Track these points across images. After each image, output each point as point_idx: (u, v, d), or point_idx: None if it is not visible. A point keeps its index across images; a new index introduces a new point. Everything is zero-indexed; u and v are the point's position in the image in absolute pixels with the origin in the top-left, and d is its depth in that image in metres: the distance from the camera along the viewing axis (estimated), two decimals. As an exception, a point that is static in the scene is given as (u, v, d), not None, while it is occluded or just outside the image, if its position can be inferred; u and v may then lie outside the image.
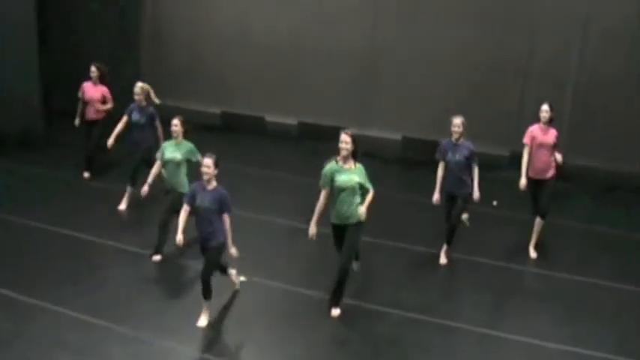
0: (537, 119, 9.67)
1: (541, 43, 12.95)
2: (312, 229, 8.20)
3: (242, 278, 8.77)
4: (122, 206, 10.99)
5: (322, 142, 14.02)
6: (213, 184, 7.81)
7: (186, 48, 15.60)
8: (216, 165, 7.76)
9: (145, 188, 9.58)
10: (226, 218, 7.79)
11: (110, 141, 10.99)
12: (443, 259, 9.63)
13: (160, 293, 8.56)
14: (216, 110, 15.39)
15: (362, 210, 8.05)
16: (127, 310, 8.07)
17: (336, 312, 8.20)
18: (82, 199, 11.28)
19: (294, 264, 9.57)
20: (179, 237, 7.87)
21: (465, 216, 10.18)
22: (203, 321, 7.92)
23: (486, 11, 13.23)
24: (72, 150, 13.44)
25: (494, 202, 11.26)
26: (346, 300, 8.39)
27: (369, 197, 8.16)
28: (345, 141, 7.99)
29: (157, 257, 9.39)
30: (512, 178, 12.44)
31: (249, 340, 7.82)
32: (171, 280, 8.91)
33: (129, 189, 10.97)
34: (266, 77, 14.97)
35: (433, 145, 12.83)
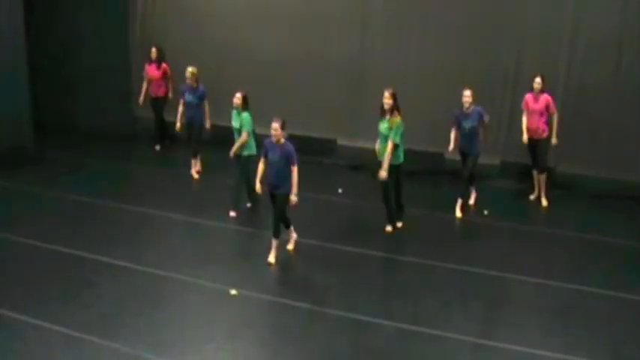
0: (532, 89, 11.58)
1: (529, 54, 13.01)
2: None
3: (233, 292, 8.76)
4: (195, 174, 12.88)
5: (313, 154, 14.05)
6: (282, 140, 9.36)
7: (175, 61, 15.58)
8: (283, 127, 9.33)
9: (233, 149, 11.23)
10: (293, 169, 9.32)
11: (178, 125, 12.86)
12: (458, 213, 11.28)
13: (153, 309, 8.49)
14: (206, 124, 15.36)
15: (382, 173, 10.11)
16: (119, 327, 8.02)
17: (388, 228, 10.54)
18: (73, 215, 11.23)
19: (284, 276, 9.57)
20: (257, 186, 9.72)
21: (485, 212, 11.43)
22: (272, 257, 9.63)
23: (474, 22, 13.28)
24: (62, 164, 13.45)
25: (485, 212, 11.31)
26: (338, 311, 8.41)
27: (387, 154, 10.08)
28: (387, 97, 10.06)
29: (233, 213, 11.12)
30: (503, 187, 12.59)
31: (241, 353, 7.79)
32: (164, 295, 8.85)
33: (196, 161, 12.86)
34: (255, 90, 14.86)
35: (424, 156, 12.98)
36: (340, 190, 12.21)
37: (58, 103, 15.47)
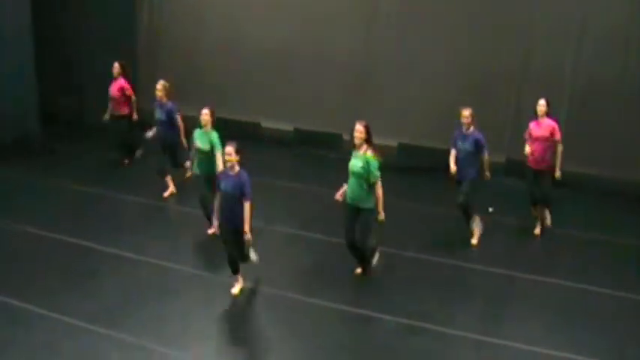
0: (535, 114, 10.37)
1: (536, 50, 13.00)
2: (338, 194, 9.00)
3: (235, 291, 8.74)
4: (166, 194, 11.65)
5: (318, 148, 14.07)
6: (236, 169, 8.21)
7: (181, 54, 15.62)
8: (237, 152, 8.17)
9: (187, 167, 10.47)
10: (245, 203, 8.13)
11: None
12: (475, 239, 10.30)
13: (158, 299, 8.53)
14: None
15: (380, 217, 8.76)
16: (124, 317, 8.05)
17: (357, 270, 9.19)
18: (79, 204, 11.27)
19: (291, 270, 9.56)
20: (215, 223, 8.47)
21: (477, 231, 10.45)
22: (235, 289, 8.65)
23: (481, 19, 13.27)
24: (68, 154, 13.47)
25: (490, 209, 11.29)
26: (343, 306, 8.43)
27: (378, 196, 8.70)
28: (359, 130, 8.68)
29: (211, 230, 9.68)
30: (508, 185, 12.58)
31: (247, 346, 7.83)
32: (169, 286, 8.88)
33: (168, 179, 11.63)
34: (262, 84, 14.99)
35: (429, 152, 12.98)
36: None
37: (64, 96, 15.51)
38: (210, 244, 10.10)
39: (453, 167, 10.02)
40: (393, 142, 14.05)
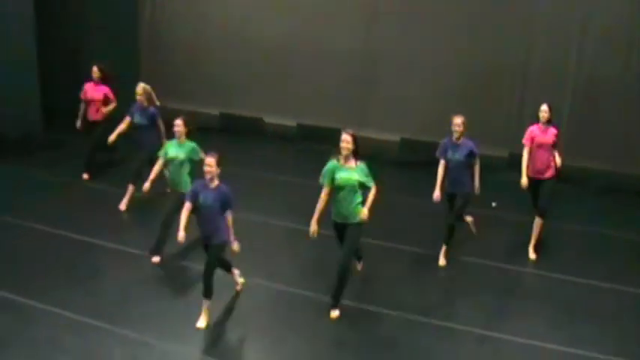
0: (537, 120, 9.66)
1: (539, 45, 12.99)
2: (313, 227, 8.21)
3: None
4: (122, 206, 10.94)
5: (321, 143, 14.05)
6: (216, 182, 7.80)
7: (184, 50, 15.63)
8: (219, 163, 7.76)
9: (147, 185, 9.57)
10: (229, 215, 7.83)
11: (111, 137, 10.95)
12: (442, 261, 9.60)
13: (160, 295, 8.56)
14: (214, 112, 15.41)
15: (364, 212, 8.05)
16: (127, 312, 8.07)
17: (334, 313, 8.18)
18: (82, 200, 11.30)
19: (292, 265, 9.56)
20: (181, 234, 7.81)
21: (469, 219, 10.21)
22: (202, 322, 7.87)
23: (485, 13, 13.27)
24: (71, 150, 13.48)
25: (493, 204, 11.27)
26: (345, 301, 8.39)
27: (371, 196, 8.12)
28: (346, 140, 8.04)
29: (156, 259, 9.35)
30: (511, 180, 12.54)
31: (248, 340, 7.84)
32: (171, 282, 8.91)
33: (130, 188, 10.87)
34: (265, 79, 15.01)
35: (431, 147, 12.88)
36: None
37: (67, 92, 15.52)
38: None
39: (437, 194, 9.39)
40: (395, 137, 14.08)
